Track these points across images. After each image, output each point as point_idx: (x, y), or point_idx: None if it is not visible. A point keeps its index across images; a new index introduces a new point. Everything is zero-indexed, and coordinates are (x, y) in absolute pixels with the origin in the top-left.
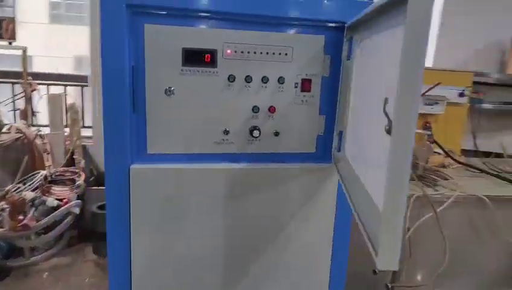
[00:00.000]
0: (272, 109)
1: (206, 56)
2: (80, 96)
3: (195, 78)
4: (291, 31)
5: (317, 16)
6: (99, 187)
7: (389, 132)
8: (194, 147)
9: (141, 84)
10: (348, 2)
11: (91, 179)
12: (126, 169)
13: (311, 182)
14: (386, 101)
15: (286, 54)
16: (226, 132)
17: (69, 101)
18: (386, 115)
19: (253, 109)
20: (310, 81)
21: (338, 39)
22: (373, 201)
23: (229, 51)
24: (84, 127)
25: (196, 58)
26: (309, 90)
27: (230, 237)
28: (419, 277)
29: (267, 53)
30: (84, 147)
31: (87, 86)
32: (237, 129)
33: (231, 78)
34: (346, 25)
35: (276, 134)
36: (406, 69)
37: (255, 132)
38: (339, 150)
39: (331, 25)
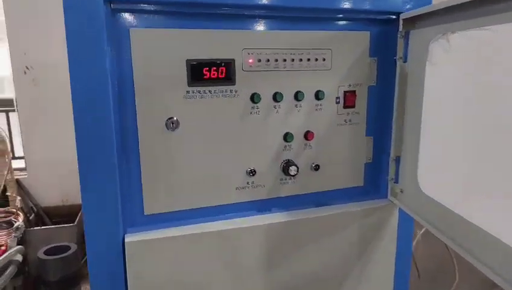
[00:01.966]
0: (309, 136)
1: (220, 69)
2: (5, 123)
3: (206, 102)
4: (329, 28)
5: (361, 5)
6: (44, 227)
7: None
8: (208, 199)
9: (131, 117)
10: None
11: (31, 218)
12: (118, 242)
13: (363, 226)
14: None
15: (324, 60)
16: (252, 173)
17: None
18: None
19: (285, 138)
20: (354, 93)
21: (387, 36)
22: None
23: (250, 60)
24: (14, 158)
25: (206, 73)
26: (353, 106)
27: None
28: None
29: (300, 60)
30: (17, 181)
31: (13, 110)
32: (266, 167)
33: (255, 98)
34: (401, 17)
35: (316, 168)
36: None
37: (291, 168)
38: (397, 181)
39: (378, 17)
